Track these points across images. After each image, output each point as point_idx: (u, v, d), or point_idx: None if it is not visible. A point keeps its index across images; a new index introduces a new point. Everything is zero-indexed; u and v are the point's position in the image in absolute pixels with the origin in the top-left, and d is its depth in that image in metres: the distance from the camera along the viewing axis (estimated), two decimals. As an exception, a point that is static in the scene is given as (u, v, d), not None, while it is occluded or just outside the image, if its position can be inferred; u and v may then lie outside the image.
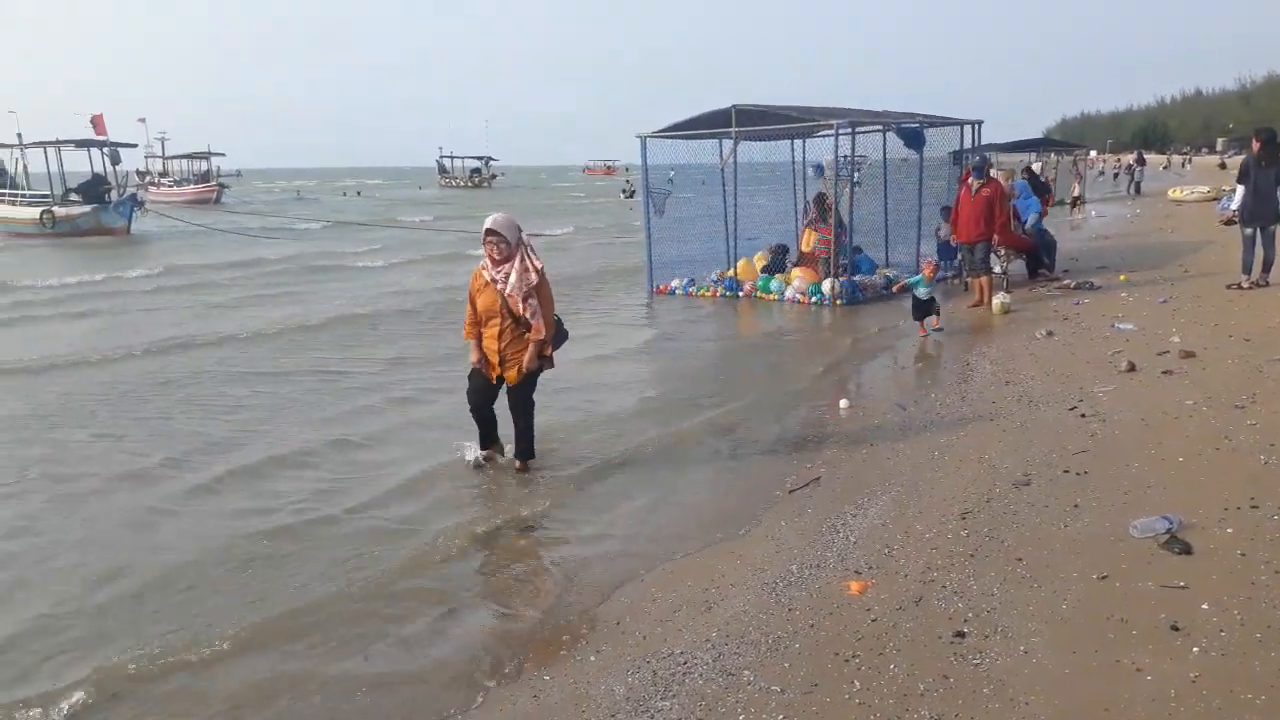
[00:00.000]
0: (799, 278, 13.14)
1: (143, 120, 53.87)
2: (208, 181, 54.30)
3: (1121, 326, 9.44)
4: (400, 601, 4.26)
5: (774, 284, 13.43)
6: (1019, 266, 13.72)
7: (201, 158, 57.05)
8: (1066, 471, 5.28)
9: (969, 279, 12.42)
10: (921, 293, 9.99)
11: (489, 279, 5.76)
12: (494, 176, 79.90)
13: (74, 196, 29.45)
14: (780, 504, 5.32)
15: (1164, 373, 7.32)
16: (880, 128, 14.57)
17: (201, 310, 13.74)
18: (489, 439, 6.10)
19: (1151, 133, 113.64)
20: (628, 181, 54.12)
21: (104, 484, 5.93)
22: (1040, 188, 15.54)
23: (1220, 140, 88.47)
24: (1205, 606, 3.56)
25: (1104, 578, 3.89)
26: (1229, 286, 10.94)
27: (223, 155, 59.13)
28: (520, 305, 5.68)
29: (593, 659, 3.68)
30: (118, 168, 29.92)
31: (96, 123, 29.16)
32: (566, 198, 58.86)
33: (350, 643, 3.88)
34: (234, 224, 31.45)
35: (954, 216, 12.12)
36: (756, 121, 13.51)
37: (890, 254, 15.07)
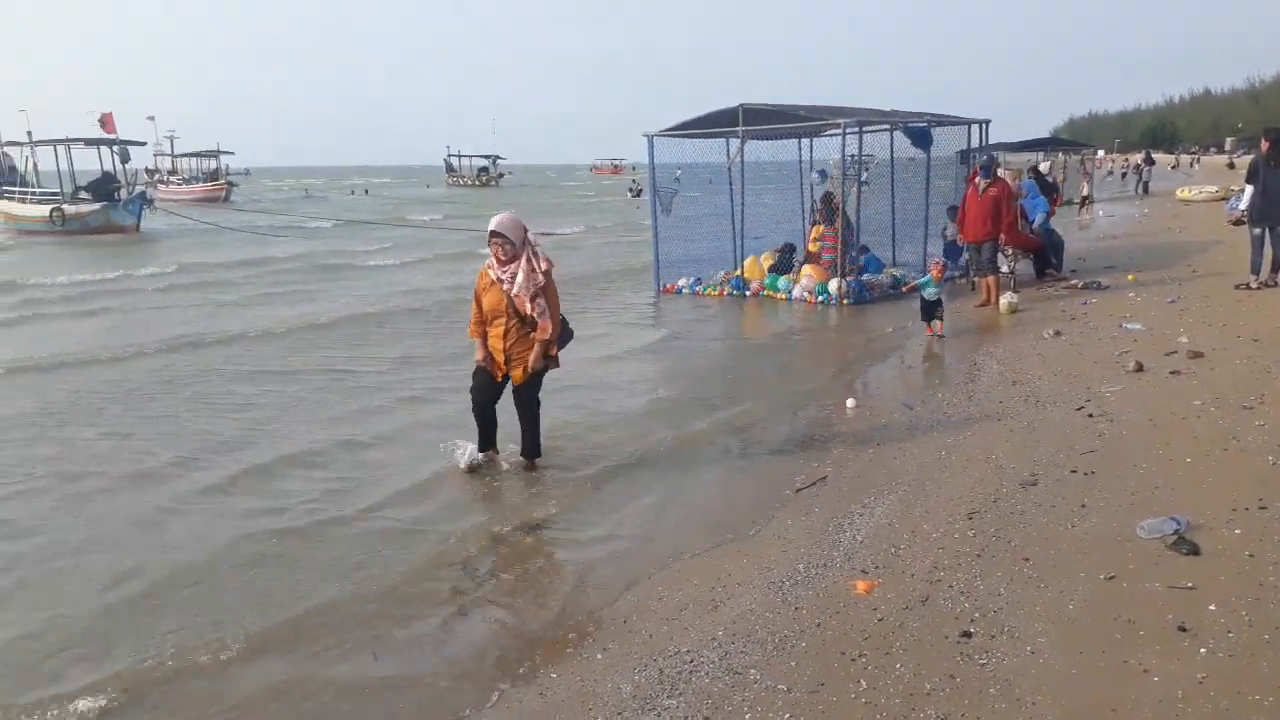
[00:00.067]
0: (808, 275, 13.14)
1: (152, 118, 54.09)
2: (216, 180, 54.50)
3: (1129, 326, 9.42)
4: (411, 602, 4.27)
5: (781, 282, 13.43)
6: (1026, 266, 13.69)
7: (210, 156, 57.29)
8: (1074, 472, 5.28)
9: (976, 279, 12.40)
10: (929, 293, 9.98)
11: (495, 278, 5.77)
12: (501, 175, 79.98)
13: (84, 194, 29.58)
14: (787, 503, 5.33)
15: (1172, 373, 7.31)
16: (888, 127, 14.56)
17: (212, 309, 13.78)
18: (489, 441, 6.09)
19: (1160, 132, 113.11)
20: (634, 181, 54.13)
21: (113, 483, 5.95)
22: (1048, 188, 15.50)
23: (1229, 140, 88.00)
24: (1213, 607, 3.55)
25: (1111, 578, 3.89)
26: (1237, 287, 10.90)
27: (231, 154, 59.44)
28: (528, 305, 5.69)
29: (599, 657, 3.69)
30: (127, 166, 30.08)
31: (106, 121, 29.29)
32: (575, 196, 58.90)
33: (363, 643, 3.90)
34: (243, 222, 31.55)
35: (961, 216, 12.10)
36: (764, 120, 13.50)
37: (897, 253, 15.07)
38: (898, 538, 4.58)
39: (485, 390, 5.97)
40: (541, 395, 6.01)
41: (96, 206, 28.93)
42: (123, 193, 29.54)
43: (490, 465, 6.03)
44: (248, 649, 3.85)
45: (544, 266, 5.73)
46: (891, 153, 14.95)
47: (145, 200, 29.84)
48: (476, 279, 5.94)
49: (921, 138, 14.46)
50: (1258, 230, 10.87)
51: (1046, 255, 13.75)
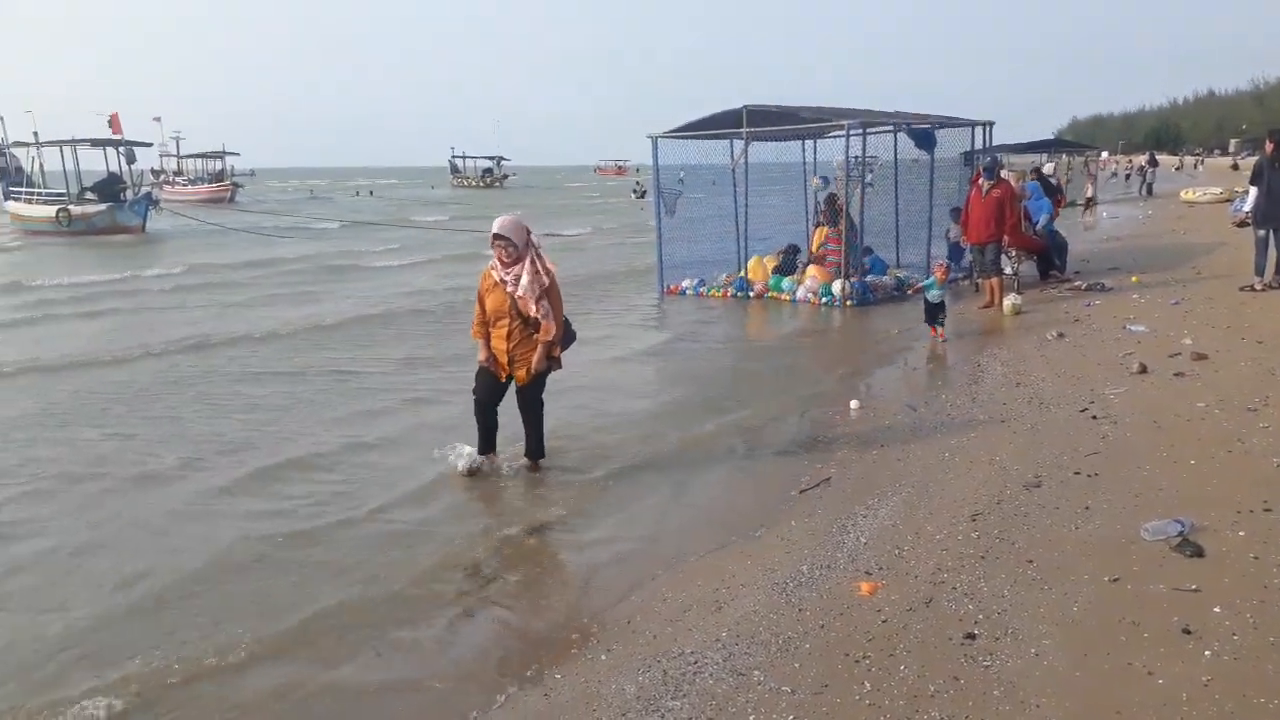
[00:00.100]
0: (812, 277, 13.15)
1: (158, 119, 54.23)
2: (222, 180, 54.60)
3: (1133, 328, 9.41)
4: (417, 605, 4.28)
5: (785, 284, 13.44)
6: (1030, 268, 13.68)
7: (216, 157, 57.39)
8: (1077, 473, 5.28)
9: (979, 280, 12.40)
10: (933, 295, 9.98)
11: (498, 279, 5.78)
12: (506, 176, 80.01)
13: (89, 195, 29.67)
14: (791, 505, 5.33)
15: (1176, 375, 7.30)
16: (891, 128, 14.56)
17: (218, 310, 13.80)
18: (489, 443, 6.09)
19: (1164, 134, 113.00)
20: (638, 182, 54.15)
21: (118, 484, 5.96)
22: (1052, 189, 15.50)
23: (1233, 141, 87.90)
24: (1217, 610, 3.55)
25: (1115, 580, 3.89)
26: (1242, 289, 10.89)
27: (237, 155, 59.53)
28: (532, 307, 5.70)
29: (603, 658, 3.70)
30: (133, 166, 30.15)
31: (113, 121, 29.35)
32: (580, 197, 58.90)
33: (369, 646, 3.91)
34: (249, 223, 31.55)
35: (964, 217, 12.10)
36: (767, 122, 13.52)
37: (901, 255, 15.07)
38: (901, 539, 4.58)
39: (488, 391, 5.98)
40: (545, 396, 6.02)
41: (102, 207, 29.00)
42: (128, 193, 29.61)
43: (490, 468, 6.03)
44: (254, 652, 3.85)
45: (549, 268, 5.75)
46: (895, 154, 14.97)
47: (151, 201, 29.90)
48: (480, 280, 5.96)
49: (925, 139, 14.47)
50: (1262, 232, 10.86)
51: (1050, 257, 13.74)
